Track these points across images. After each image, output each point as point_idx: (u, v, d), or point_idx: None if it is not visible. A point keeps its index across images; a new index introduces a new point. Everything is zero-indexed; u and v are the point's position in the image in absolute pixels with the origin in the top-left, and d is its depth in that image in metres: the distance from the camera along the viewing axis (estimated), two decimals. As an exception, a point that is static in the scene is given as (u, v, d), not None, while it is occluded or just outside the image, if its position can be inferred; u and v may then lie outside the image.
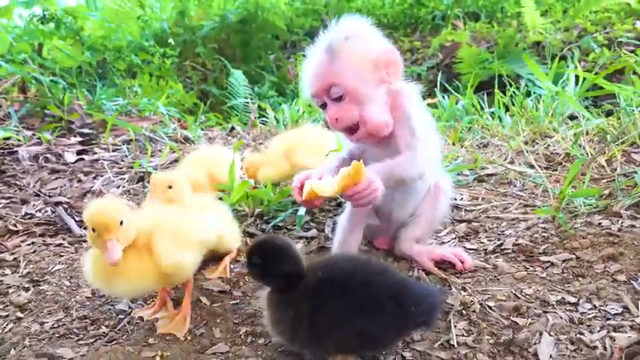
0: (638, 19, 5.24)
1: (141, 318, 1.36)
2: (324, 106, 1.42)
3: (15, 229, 1.93)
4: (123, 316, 1.38)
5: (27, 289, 1.56)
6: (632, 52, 3.97)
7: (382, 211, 1.60)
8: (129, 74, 4.54)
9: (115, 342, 1.26)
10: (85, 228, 1.90)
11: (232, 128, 3.49)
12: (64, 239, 1.88)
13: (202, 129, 3.24)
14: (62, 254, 1.77)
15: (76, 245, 1.83)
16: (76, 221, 1.97)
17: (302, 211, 1.80)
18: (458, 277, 1.45)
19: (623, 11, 5.45)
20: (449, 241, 1.67)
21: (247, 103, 4.01)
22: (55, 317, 1.39)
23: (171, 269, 1.22)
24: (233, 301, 1.43)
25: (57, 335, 1.31)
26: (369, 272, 1.16)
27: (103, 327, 1.34)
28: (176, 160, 2.53)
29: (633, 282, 1.34)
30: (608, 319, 1.23)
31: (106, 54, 4.29)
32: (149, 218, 1.27)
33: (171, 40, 5.03)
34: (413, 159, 1.38)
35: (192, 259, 1.28)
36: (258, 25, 5.84)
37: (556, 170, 2.05)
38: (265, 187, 1.86)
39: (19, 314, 1.43)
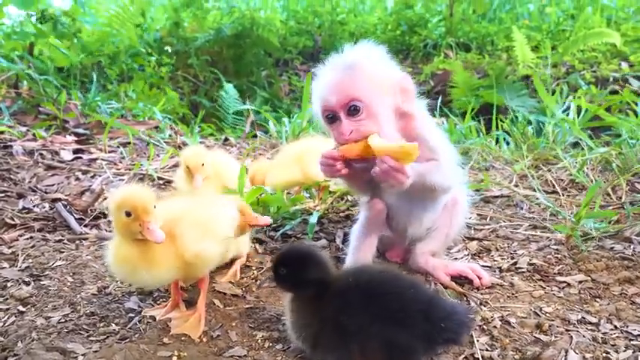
0: (623, 60, 5.41)
1: (152, 317, 1.31)
2: (333, 119, 1.39)
3: (12, 222, 1.86)
4: (133, 315, 1.33)
5: (27, 283, 1.50)
6: (616, 92, 4.10)
7: (397, 225, 1.58)
8: (123, 79, 4.48)
9: (127, 340, 1.21)
10: (86, 225, 1.85)
11: (226, 139, 3.47)
12: (63, 236, 1.82)
13: (200, 137, 3.20)
14: (62, 250, 1.71)
15: (76, 242, 1.77)
16: (75, 219, 1.91)
17: (313, 219, 1.77)
18: (475, 293, 1.44)
19: (609, 52, 5.61)
20: (461, 258, 1.66)
21: (243, 113, 3.99)
22: (61, 312, 1.34)
23: (194, 258, 1.20)
24: (247, 305, 1.39)
25: (65, 330, 1.25)
26: (401, 285, 1.14)
27: (113, 324, 1.29)
28: (176, 165, 2.48)
29: (652, 305, 1.35)
30: (631, 339, 1.23)
31: (101, 58, 4.23)
32: (174, 208, 1.24)
33: (167, 48, 5.00)
34: (439, 167, 1.40)
35: (215, 251, 1.25)
36: (253, 40, 5.85)
37: (562, 196, 2.06)
38: (275, 193, 1.83)
39: (21, 308, 1.37)
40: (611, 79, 5.02)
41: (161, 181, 2.32)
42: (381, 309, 1.10)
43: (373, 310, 1.10)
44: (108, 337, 1.23)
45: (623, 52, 5.43)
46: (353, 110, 1.35)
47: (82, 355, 1.14)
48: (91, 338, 1.22)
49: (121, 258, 1.16)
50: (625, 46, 5.42)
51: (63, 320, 1.30)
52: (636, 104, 2.72)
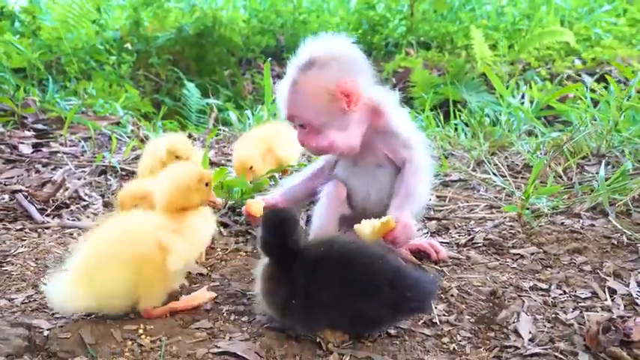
0: (577, 58, 5.61)
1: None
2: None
3: (-28, 212, 1.84)
4: (98, 294, 1.34)
5: (-11, 269, 1.49)
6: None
7: (357, 204, 1.62)
8: (83, 77, 4.42)
9: (93, 315, 1.22)
10: (48, 215, 1.84)
11: (189, 135, 3.47)
12: (24, 225, 1.80)
13: (164, 131, 3.20)
14: (24, 238, 1.70)
15: (38, 231, 1.76)
16: (36, 209, 1.89)
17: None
18: (434, 266, 1.50)
19: (563, 50, 5.80)
20: (421, 236, 1.71)
21: (207, 112, 4.00)
22: (24, 294, 1.34)
23: None
24: (213, 283, 1.42)
25: (30, 309, 1.26)
26: (370, 254, 1.18)
27: (77, 304, 1.29)
28: (139, 157, 2.47)
29: (599, 271, 1.43)
30: (579, 302, 1.30)
31: (60, 54, 4.16)
32: None
33: (128, 45, 4.95)
34: (418, 173, 1.46)
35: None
36: (215, 39, 5.84)
37: (517, 178, 2.15)
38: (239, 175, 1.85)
39: (-17, 291, 1.36)
40: (565, 76, 5.19)
41: (124, 173, 2.31)
42: (349, 278, 1.14)
43: (341, 279, 1.14)
44: (73, 314, 1.24)
45: (576, 50, 5.62)
46: (299, 124, 1.44)
47: (48, 329, 1.15)
48: (57, 315, 1.23)
49: None
50: (578, 45, 5.62)
51: (27, 301, 1.30)
52: (583, 97, 2.83)
